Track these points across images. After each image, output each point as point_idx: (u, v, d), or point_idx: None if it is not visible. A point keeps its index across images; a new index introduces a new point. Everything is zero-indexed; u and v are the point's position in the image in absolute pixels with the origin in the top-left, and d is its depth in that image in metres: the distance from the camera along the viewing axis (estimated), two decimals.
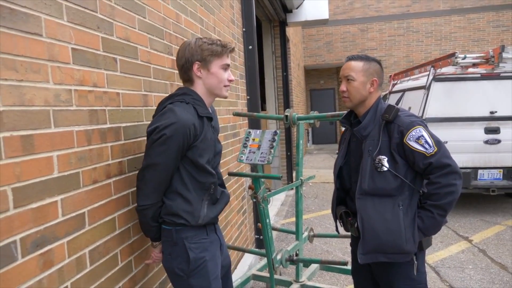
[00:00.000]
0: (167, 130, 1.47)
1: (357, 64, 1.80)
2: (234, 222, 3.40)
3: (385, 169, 1.71)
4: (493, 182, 5.20)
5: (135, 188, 1.69)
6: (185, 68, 1.62)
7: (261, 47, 7.41)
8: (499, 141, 5.13)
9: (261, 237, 2.34)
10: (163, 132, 1.47)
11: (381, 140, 1.73)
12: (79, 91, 1.38)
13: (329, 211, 5.98)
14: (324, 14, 7.54)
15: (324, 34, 14.41)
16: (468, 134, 5.18)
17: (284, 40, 7.59)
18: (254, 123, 4.10)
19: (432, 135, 1.71)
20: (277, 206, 6.17)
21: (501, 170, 5.17)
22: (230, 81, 1.67)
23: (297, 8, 7.43)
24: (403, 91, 6.41)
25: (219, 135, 3.07)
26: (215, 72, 1.61)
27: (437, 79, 5.39)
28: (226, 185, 3.18)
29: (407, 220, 1.71)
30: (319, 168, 10.00)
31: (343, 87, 1.83)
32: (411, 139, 1.69)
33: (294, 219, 5.49)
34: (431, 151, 1.67)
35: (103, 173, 1.50)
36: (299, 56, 11.77)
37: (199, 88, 1.64)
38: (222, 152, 3.15)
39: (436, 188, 1.67)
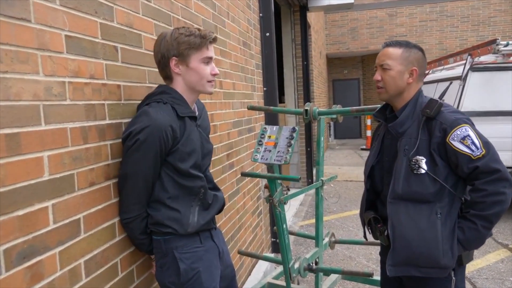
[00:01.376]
0: (141, 135, 1.41)
1: (395, 51, 1.68)
2: (248, 225, 3.33)
3: (423, 171, 1.60)
4: None
5: None
6: (162, 65, 1.56)
7: (279, 34, 7.27)
8: None
9: (278, 240, 2.27)
10: (137, 137, 1.41)
11: (419, 139, 1.62)
12: (74, 84, 1.31)
13: (352, 212, 5.88)
14: None
15: (349, 20, 14.09)
16: (510, 129, 4.93)
17: (305, 26, 7.42)
18: (271, 118, 4.00)
19: (480, 135, 1.58)
20: (295, 206, 6.07)
21: None
22: (214, 75, 1.58)
23: None
24: (438, 81, 6.15)
25: (233, 130, 3.01)
26: (195, 67, 1.53)
27: (475, 68, 5.16)
28: (240, 184, 3.13)
29: (446, 231, 1.60)
30: (342, 165, 9.82)
31: (377, 76, 1.72)
32: (455, 138, 1.56)
33: (313, 220, 5.39)
34: (478, 153, 1.55)
35: (101, 175, 1.43)
36: (321, 43, 11.55)
37: (179, 85, 1.56)
38: (237, 149, 3.11)
39: (481, 196, 1.55)
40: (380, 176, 1.83)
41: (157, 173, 1.50)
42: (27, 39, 1.13)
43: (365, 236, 2.02)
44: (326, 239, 2.88)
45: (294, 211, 5.87)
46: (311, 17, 8.66)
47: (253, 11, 3.76)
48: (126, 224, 1.51)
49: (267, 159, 2.06)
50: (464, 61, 5.42)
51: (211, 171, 2.03)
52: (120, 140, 1.55)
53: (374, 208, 1.89)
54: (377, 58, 1.76)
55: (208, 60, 1.56)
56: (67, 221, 1.25)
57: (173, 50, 1.51)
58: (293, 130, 2.08)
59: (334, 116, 2.65)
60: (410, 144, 1.65)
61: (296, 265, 2.41)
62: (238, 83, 3.17)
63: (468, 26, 13.25)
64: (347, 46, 14.24)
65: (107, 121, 1.48)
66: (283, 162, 2.01)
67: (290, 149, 2.03)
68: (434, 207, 1.62)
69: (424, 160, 1.61)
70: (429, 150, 1.61)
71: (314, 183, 2.66)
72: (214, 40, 1.57)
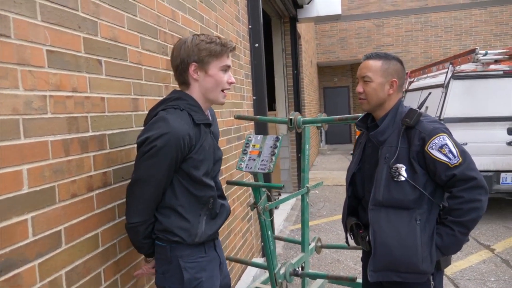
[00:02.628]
0: (158, 141, 1.36)
1: (375, 64, 1.68)
2: (238, 230, 3.30)
3: (403, 178, 1.59)
4: None
5: (121, 201, 1.61)
6: (180, 70, 1.51)
7: (270, 44, 7.28)
8: None
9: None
10: (154, 143, 1.36)
11: (399, 147, 1.62)
12: (55, 97, 1.28)
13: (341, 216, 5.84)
14: (337, 9, 7.36)
15: (338, 30, 14.17)
16: (490, 135, 4.96)
17: (294, 36, 7.44)
18: (260, 126, 3.98)
19: (457, 144, 1.58)
20: (286, 211, 6.04)
21: None
22: (230, 83, 1.55)
23: (308, 3, 7.26)
24: (422, 88, 6.18)
25: (222, 139, 2.99)
26: (213, 74, 1.49)
27: (456, 76, 5.19)
28: (230, 191, 3.10)
29: (425, 237, 1.59)
30: (332, 169, 9.82)
31: (359, 88, 1.71)
32: (433, 147, 1.56)
33: None
34: (455, 161, 1.54)
35: (83, 186, 1.40)
36: (311, 53, 11.59)
37: (195, 91, 1.52)
38: (226, 157, 3.08)
39: (458, 203, 1.54)
40: (361, 183, 1.81)
41: (169, 180, 1.45)
42: (7, 55, 1.10)
43: (347, 242, 2.00)
44: (313, 244, 2.85)
45: (285, 215, 5.83)
46: (302, 27, 8.69)
47: (242, 23, 3.76)
48: (132, 228, 1.45)
49: (251, 167, 2.04)
50: (446, 70, 5.45)
51: None
52: (104, 152, 1.52)
53: (356, 215, 1.87)
54: (358, 70, 1.75)
55: (226, 68, 1.53)
56: (47, 233, 1.22)
57: (193, 56, 1.47)
58: (277, 139, 2.07)
59: (319, 124, 2.63)
60: (390, 152, 1.64)
61: (282, 271, 2.38)
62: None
63: (451, 35, 13.38)
64: (336, 55, 14.31)
65: (90, 133, 1.45)
66: (266, 170, 1.99)
67: (273, 158, 2.01)
68: (413, 214, 1.61)
69: (404, 168, 1.60)
70: (408, 158, 1.61)
71: (300, 190, 2.64)
72: (234, 49, 1.54)
